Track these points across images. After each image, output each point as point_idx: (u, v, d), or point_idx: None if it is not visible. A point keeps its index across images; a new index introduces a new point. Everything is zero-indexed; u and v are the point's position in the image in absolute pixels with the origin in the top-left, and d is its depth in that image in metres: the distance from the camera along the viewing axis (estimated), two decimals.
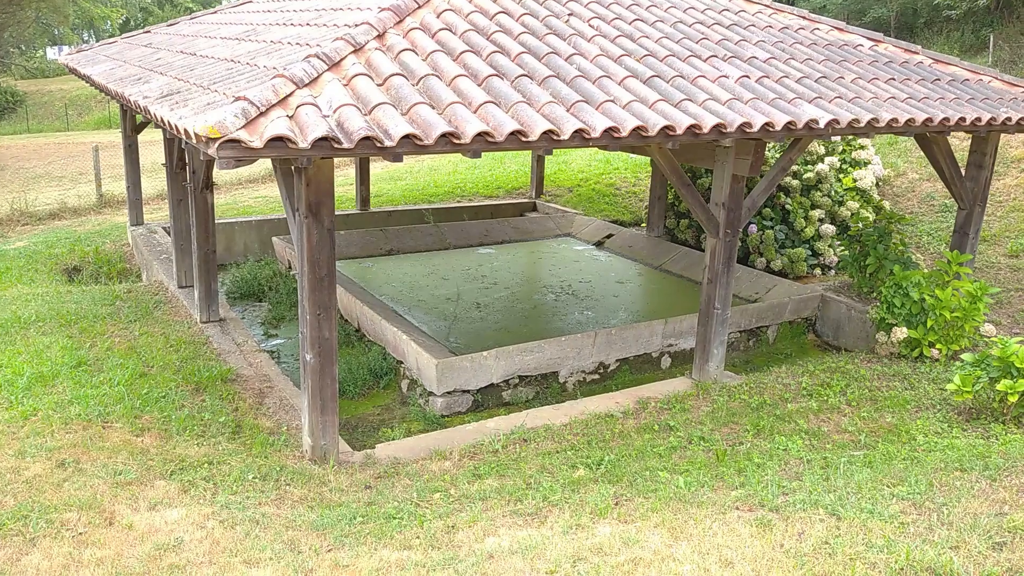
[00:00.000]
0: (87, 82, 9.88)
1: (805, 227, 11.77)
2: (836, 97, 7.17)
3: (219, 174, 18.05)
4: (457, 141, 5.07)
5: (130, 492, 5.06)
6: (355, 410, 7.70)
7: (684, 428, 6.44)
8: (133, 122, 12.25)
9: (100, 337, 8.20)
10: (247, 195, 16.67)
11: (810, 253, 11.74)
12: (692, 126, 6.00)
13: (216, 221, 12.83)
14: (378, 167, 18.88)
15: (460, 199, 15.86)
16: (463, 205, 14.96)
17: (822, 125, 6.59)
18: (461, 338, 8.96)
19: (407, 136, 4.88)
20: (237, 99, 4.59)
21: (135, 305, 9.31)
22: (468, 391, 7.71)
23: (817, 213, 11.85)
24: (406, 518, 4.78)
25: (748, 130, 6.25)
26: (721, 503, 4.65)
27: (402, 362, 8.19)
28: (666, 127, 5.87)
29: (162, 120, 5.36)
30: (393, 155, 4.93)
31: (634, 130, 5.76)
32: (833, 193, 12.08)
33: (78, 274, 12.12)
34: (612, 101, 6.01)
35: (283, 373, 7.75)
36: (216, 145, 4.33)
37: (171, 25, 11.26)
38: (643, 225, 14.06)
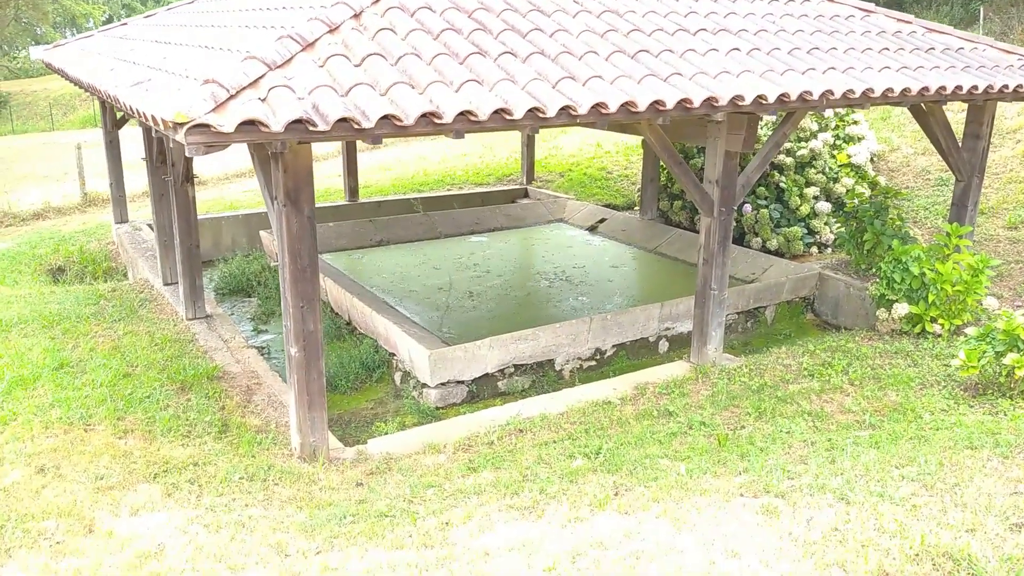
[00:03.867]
0: (61, 76, 9.63)
1: (800, 205, 11.57)
2: (829, 68, 6.97)
3: (205, 168, 17.78)
4: (438, 121, 4.88)
5: (111, 497, 4.87)
6: (348, 405, 7.52)
7: (684, 413, 6.27)
8: (114, 117, 11.98)
9: (83, 338, 7.99)
10: (234, 189, 16.42)
11: (806, 231, 11.54)
12: (682, 100, 5.80)
13: (203, 216, 12.64)
14: (366, 158, 18.63)
15: (450, 188, 15.64)
16: (453, 194, 14.74)
17: (816, 96, 6.40)
18: (454, 328, 8.77)
19: (386, 117, 4.68)
20: (206, 82, 4.38)
21: (119, 304, 9.10)
22: (462, 382, 7.54)
23: (812, 191, 11.66)
24: (398, 516, 4.60)
25: (740, 103, 6.05)
26: (725, 490, 4.48)
27: (394, 354, 8.01)
28: (655, 102, 5.67)
29: (131, 108, 5.15)
30: (372, 137, 4.72)
31: (622, 106, 5.57)
32: (828, 170, 11.89)
33: (63, 274, 11.89)
34: (599, 77, 5.81)
35: (272, 369, 7.56)
36: (184, 130, 4.12)
37: (148, 17, 10.99)
38: (636, 208, 13.86)
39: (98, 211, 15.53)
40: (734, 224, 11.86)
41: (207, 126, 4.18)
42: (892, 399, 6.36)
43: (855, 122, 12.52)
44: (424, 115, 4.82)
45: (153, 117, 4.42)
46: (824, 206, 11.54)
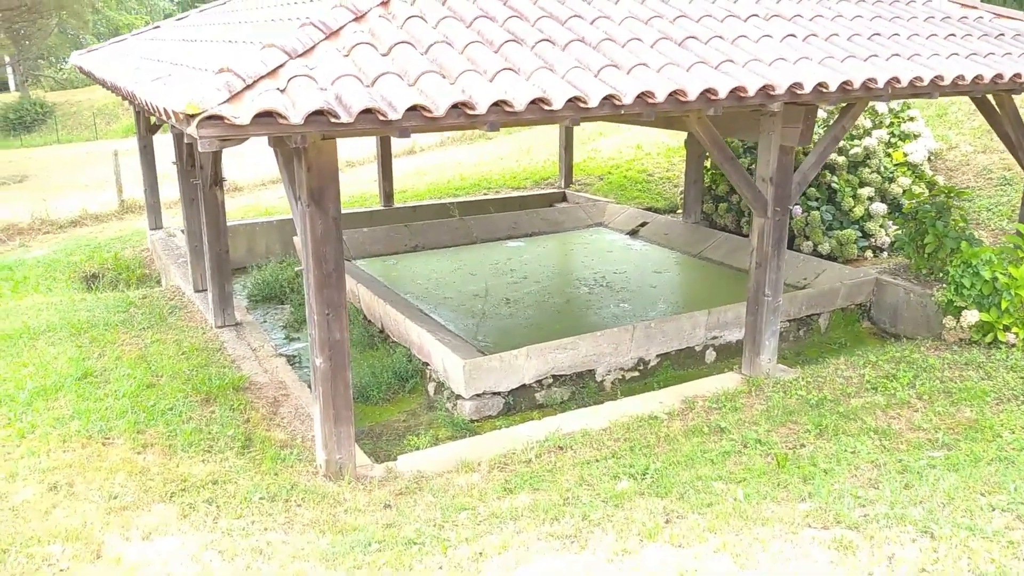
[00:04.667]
0: (90, 78, 9.48)
1: (854, 206, 10.98)
2: (892, 55, 6.46)
3: (240, 175, 17.70)
4: (471, 112, 4.50)
5: (124, 519, 4.57)
6: (379, 416, 7.18)
7: (737, 429, 5.79)
8: (147, 122, 11.86)
9: (110, 346, 7.77)
10: (270, 195, 16.28)
11: (860, 234, 10.95)
12: (736, 89, 5.35)
13: (237, 222, 12.47)
14: (401, 163, 18.38)
15: (486, 192, 15.29)
16: (489, 198, 14.39)
17: (881, 84, 5.90)
18: (490, 336, 8.39)
19: (414, 108, 4.32)
20: (220, 71, 4.06)
21: (149, 311, 8.90)
22: (499, 393, 7.15)
23: (866, 191, 11.05)
24: (428, 544, 4.22)
25: (798, 92, 5.58)
26: (789, 519, 4.02)
27: (428, 364, 7.65)
28: (707, 91, 5.23)
29: (146, 103, 4.86)
30: (399, 130, 4.37)
31: (671, 95, 5.14)
32: (882, 169, 11.28)
33: (96, 281, 11.78)
34: (644, 65, 5.39)
35: (301, 379, 7.24)
36: (196, 122, 3.80)
37: (179, 19, 10.84)
38: (679, 211, 13.36)
39: (135, 218, 15.49)
40: None
41: (220, 118, 3.85)
42: (966, 415, 5.81)
43: (911, 118, 11.89)
44: (455, 106, 4.46)
45: (165, 110, 4.11)
46: (879, 207, 10.93)
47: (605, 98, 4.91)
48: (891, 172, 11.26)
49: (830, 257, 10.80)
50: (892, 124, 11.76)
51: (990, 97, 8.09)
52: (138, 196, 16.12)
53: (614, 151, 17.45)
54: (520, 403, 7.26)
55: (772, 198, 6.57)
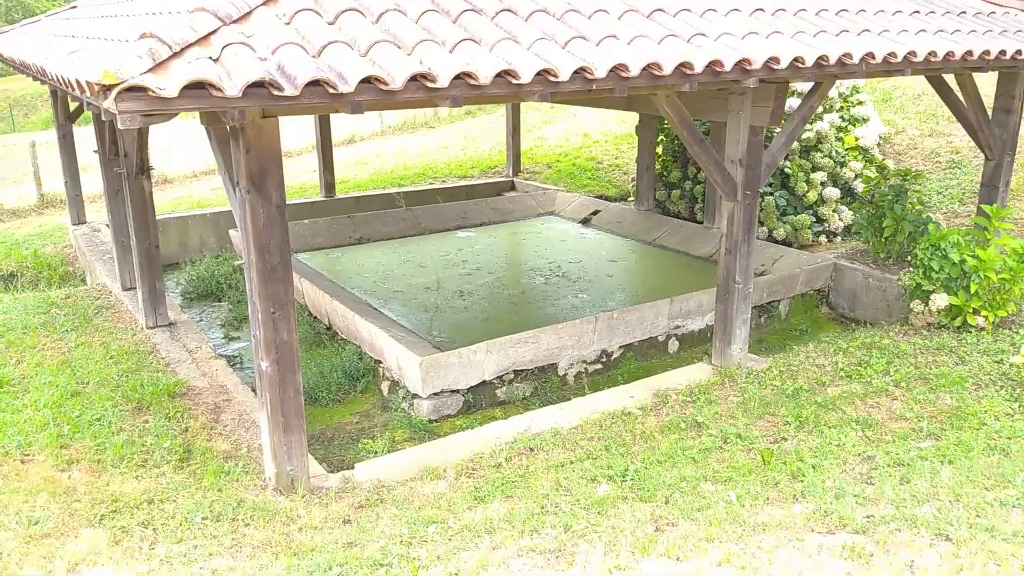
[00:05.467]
0: None
1: (807, 191, 10.86)
2: (863, 31, 6.24)
3: (171, 166, 16.80)
4: (431, 85, 4.06)
5: (46, 548, 4.01)
6: (330, 419, 6.69)
7: (715, 424, 5.50)
8: (66, 108, 11.01)
9: (29, 351, 7.09)
10: (203, 187, 15.46)
11: (814, 219, 10.85)
12: (712, 63, 5.03)
13: (168, 215, 11.72)
14: (341, 152, 17.71)
15: (432, 181, 14.78)
16: (436, 187, 13.90)
17: (856, 60, 5.66)
18: (445, 331, 7.95)
19: (368, 80, 3.86)
20: (143, 37, 3.52)
21: (72, 312, 8.18)
22: (457, 391, 6.74)
23: (819, 176, 10.95)
24: (396, 564, 3.79)
25: (775, 67, 5.29)
26: (790, 523, 3.71)
27: (380, 362, 7.18)
28: (682, 64, 4.89)
29: (56, 77, 4.27)
30: (352, 105, 3.91)
31: (645, 69, 4.78)
32: (834, 153, 11.19)
33: (14, 281, 10.92)
34: (613, 37, 5.03)
35: (243, 382, 6.69)
36: (114, 95, 3.27)
37: None
38: (630, 199, 13.10)
39: (56, 213, 14.50)
40: None
41: (143, 89, 3.33)
42: (947, 403, 5.63)
43: (860, 102, 11.84)
44: (414, 78, 4.01)
45: (78, 82, 3.56)
46: (833, 192, 10.84)
47: (576, 71, 4.53)
48: (843, 156, 11.18)
49: (785, 243, 10.66)
50: (842, 108, 11.69)
51: (947, 77, 8.00)
52: (59, 189, 15.12)
53: (561, 139, 17.13)
54: (481, 400, 6.86)
55: (742, 181, 6.30)
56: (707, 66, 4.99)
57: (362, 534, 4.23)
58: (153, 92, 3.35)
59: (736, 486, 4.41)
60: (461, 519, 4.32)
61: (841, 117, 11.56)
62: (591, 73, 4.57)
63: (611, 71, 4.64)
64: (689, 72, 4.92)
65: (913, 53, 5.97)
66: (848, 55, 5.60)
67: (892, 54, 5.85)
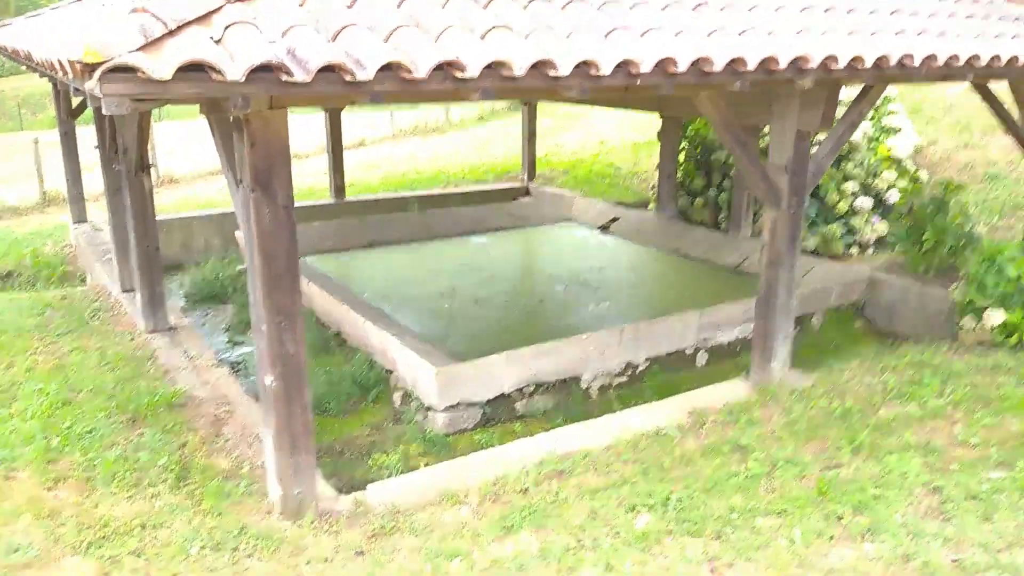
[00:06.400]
0: None
1: (838, 201, 10.42)
2: (921, 31, 5.81)
3: (177, 165, 16.42)
4: (460, 75, 3.64)
5: None
6: (340, 431, 6.25)
7: (761, 448, 5.04)
8: (68, 104, 10.63)
9: (20, 355, 6.66)
10: (209, 188, 15.07)
11: (845, 230, 10.40)
12: (767, 59, 4.60)
13: (173, 216, 11.31)
14: (351, 156, 17.31)
15: (445, 186, 14.37)
16: (449, 192, 13.48)
17: (917, 63, 5.23)
18: (461, 340, 7.51)
19: (388, 66, 3.44)
20: (135, 11, 3.09)
21: (68, 314, 7.76)
22: (475, 403, 6.30)
23: (850, 186, 10.51)
24: None
25: (833, 67, 4.86)
26: (867, 570, 3.25)
27: (392, 371, 6.75)
28: (734, 60, 4.46)
29: (41, 60, 3.86)
30: (370, 95, 3.49)
31: (694, 64, 4.35)
32: (866, 164, 10.75)
33: (11, 280, 10.52)
34: (656, 30, 4.60)
35: (247, 392, 6.25)
36: (99, 75, 2.84)
37: None
38: (651, 206, 12.65)
39: (58, 211, 14.12)
40: (753, 222, 10.78)
41: (133, 69, 2.90)
42: (1014, 428, 5.17)
43: (892, 112, 11.40)
44: (441, 66, 3.59)
45: (60, 63, 3.14)
46: (865, 202, 10.39)
47: (619, 64, 4.09)
48: (875, 167, 10.74)
49: (815, 253, 10.22)
50: (874, 118, 11.25)
51: (991, 85, 7.56)
52: (61, 188, 14.78)
53: (577, 145, 16.73)
54: (499, 414, 6.42)
55: (788, 189, 5.85)
56: (760, 63, 4.56)
57: (377, 568, 3.78)
58: (144, 73, 2.93)
59: (793, 519, 3.96)
60: (488, 552, 3.87)
61: (873, 127, 11.13)
62: (635, 67, 4.13)
63: (657, 65, 4.21)
64: (741, 69, 4.48)
65: (976, 57, 5.54)
66: (909, 56, 5.16)
67: (954, 57, 5.41)
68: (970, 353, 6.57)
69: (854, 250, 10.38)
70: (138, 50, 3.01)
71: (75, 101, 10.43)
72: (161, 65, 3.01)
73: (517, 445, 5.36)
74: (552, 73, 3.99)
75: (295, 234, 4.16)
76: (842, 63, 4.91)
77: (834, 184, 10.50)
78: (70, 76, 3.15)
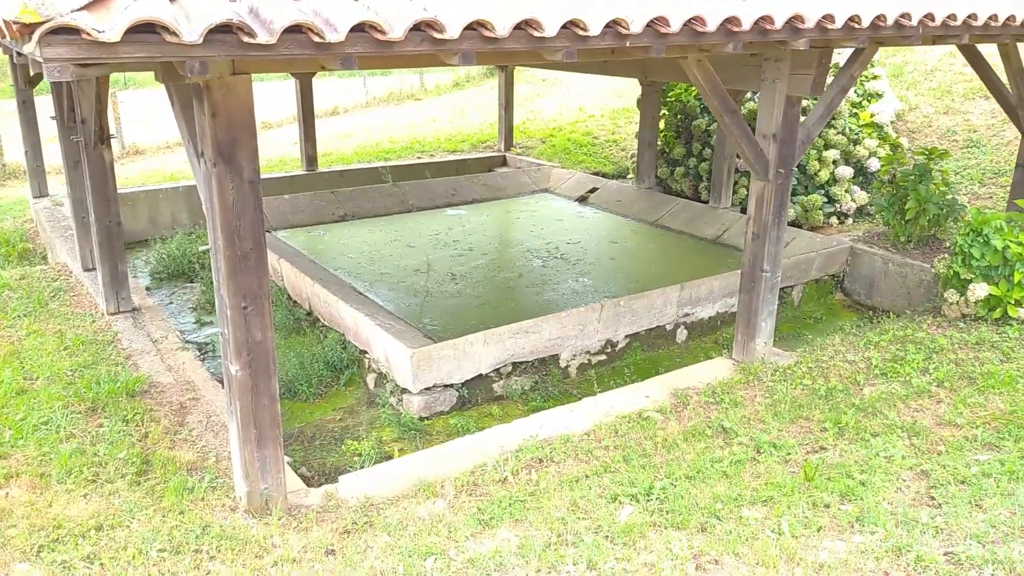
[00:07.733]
0: None
1: (819, 170, 10.25)
2: None
3: (142, 137, 15.93)
4: (438, 35, 3.38)
5: None
6: (310, 415, 6.04)
7: (744, 430, 4.90)
8: (25, 72, 10.16)
9: None
10: (176, 159, 14.62)
11: (825, 200, 10.25)
12: (762, 19, 4.37)
13: (138, 189, 10.93)
14: (324, 124, 16.88)
15: (420, 155, 14.04)
16: (424, 162, 13.17)
17: (914, 22, 5.02)
18: (437, 318, 7.30)
19: (360, 27, 3.17)
20: None
21: (26, 295, 7.44)
22: (451, 385, 6.11)
23: (831, 154, 10.33)
24: None
25: (829, 26, 4.64)
26: (858, 566, 3.12)
27: (366, 352, 6.53)
28: (728, 20, 4.23)
29: None
30: (341, 58, 3.22)
31: (687, 24, 4.11)
32: (848, 130, 10.58)
33: None
34: None
35: (213, 377, 6.01)
36: (38, 36, 2.57)
37: None
38: (630, 176, 12.44)
39: (19, 185, 13.67)
40: (733, 193, 10.60)
41: (76, 31, 2.63)
42: (998, 406, 5.07)
43: (875, 76, 11.21)
44: (418, 26, 3.32)
45: None
46: (845, 171, 10.22)
47: (608, 24, 3.85)
48: (856, 133, 10.56)
49: (795, 224, 10.06)
50: (857, 82, 11.05)
51: (980, 48, 7.38)
52: (21, 160, 14.27)
53: (555, 113, 16.41)
54: (476, 396, 6.25)
55: (775, 158, 5.65)
56: (755, 23, 4.33)
57: (348, 569, 3.60)
58: (89, 35, 2.65)
59: (779, 508, 3.82)
60: (464, 550, 3.70)
61: (856, 92, 10.93)
62: (625, 27, 3.89)
63: (648, 25, 3.97)
64: (736, 29, 4.26)
65: (973, 16, 5.34)
66: (907, 15, 4.96)
67: (952, 16, 5.21)
68: (953, 327, 6.46)
69: (834, 220, 10.24)
70: (82, 8, 2.72)
71: (32, 68, 9.98)
72: (108, 26, 2.72)
73: (495, 431, 5.18)
74: (537, 34, 3.73)
75: (261, 211, 3.89)
76: (839, 23, 4.69)
77: (815, 152, 10.33)
78: (8, 39, 2.87)
